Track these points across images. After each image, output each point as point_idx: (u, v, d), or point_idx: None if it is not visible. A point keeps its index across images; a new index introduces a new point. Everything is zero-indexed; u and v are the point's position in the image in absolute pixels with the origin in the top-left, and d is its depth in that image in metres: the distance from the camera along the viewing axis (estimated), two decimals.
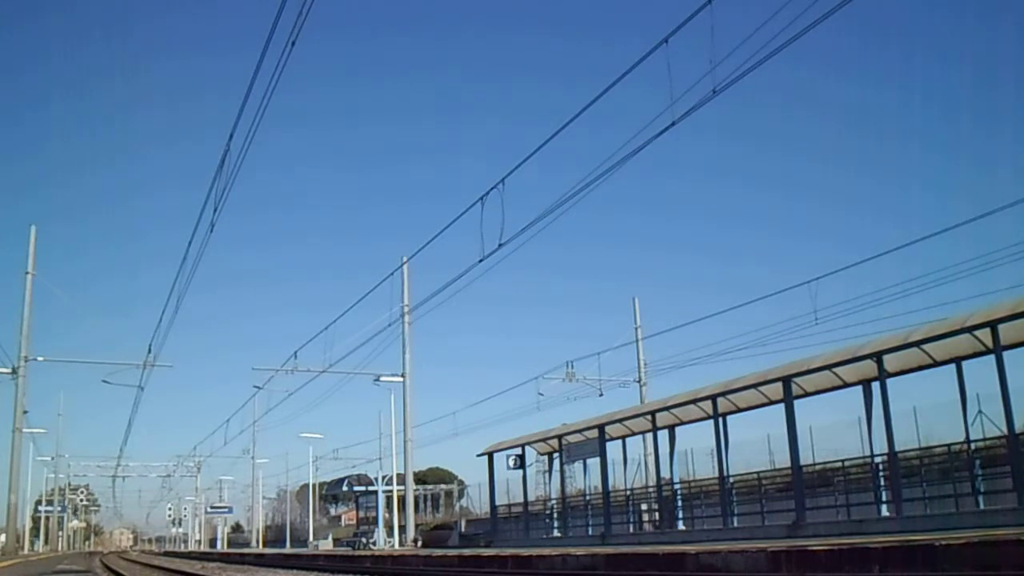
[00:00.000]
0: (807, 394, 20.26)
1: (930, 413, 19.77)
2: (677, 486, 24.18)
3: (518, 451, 29.47)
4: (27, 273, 29.45)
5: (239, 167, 14.22)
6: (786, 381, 18.73)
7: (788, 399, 18.72)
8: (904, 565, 8.49)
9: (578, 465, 28.46)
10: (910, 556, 8.52)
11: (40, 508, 76.08)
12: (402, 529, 34.97)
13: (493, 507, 31.48)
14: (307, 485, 63.57)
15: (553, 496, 31.03)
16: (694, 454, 26.92)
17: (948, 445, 16.90)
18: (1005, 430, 14.63)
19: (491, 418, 74.78)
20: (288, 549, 51.81)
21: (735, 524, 20.36)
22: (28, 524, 71.20)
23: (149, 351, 28.43)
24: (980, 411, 15.99)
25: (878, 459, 17.60)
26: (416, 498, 37.90)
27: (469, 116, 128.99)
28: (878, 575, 8.66)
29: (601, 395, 33.00)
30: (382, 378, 30.48)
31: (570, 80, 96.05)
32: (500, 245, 15.71)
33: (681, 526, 22.98)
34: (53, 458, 65.51)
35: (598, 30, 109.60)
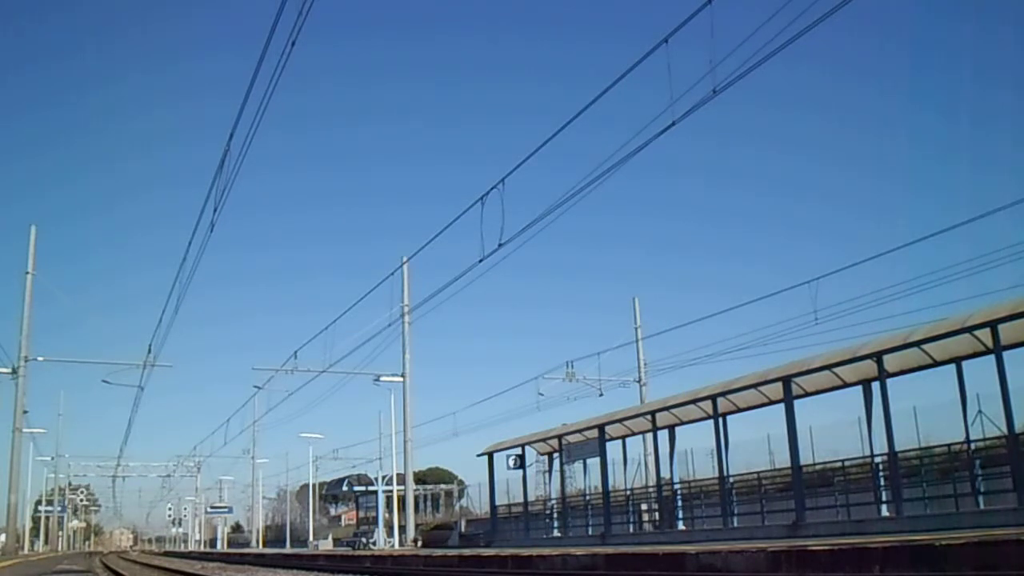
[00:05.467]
0: (807, 394, 20.26)
1: (930, 413, 19.77)
2: (677, 486, 24.17)
3: (518, 451, 29.46)
4: (27, 273, 29.48)
5: (239, 167, 14.28)
6: (786, 381, 18.72)
7: (788, 399, 18.72)
8: (904, 565, 8.49)
9: (578, 465, 28.45)
10: (910, 556, 8.52)
11: (40, 508, 76.04)
12: (402, 529, 35.00)
13: (493, 507, 31.47)
14: (307, 485, 63.59)
15: (553, 496, 31.03)
16: (694, 454, 27.02)
17: (948, 445, 16.89)
18: (1005, 430, 14.64)
19: (491, 418, 74.90)
20: (288, 549, 51.83)
21: (735, 524, 20.35)
22: (28, 524, 71.16)
23: (149, 351, 28.52)
24: (980, 411, 15.98)
25: (878, 459, 17.60)
26: (416, 498, 37.90)
27: (469, 116, 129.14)
28: (878, 575, 8.66)
29: (601, 395, 33.06)
30: (382, 378, 30.52)
31: (570, 80, 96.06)
32: (500, 245, 15.75)
33: (681, 526, 22.97)
34: (53, 458, 65.57)
35: (598, 30, 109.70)
